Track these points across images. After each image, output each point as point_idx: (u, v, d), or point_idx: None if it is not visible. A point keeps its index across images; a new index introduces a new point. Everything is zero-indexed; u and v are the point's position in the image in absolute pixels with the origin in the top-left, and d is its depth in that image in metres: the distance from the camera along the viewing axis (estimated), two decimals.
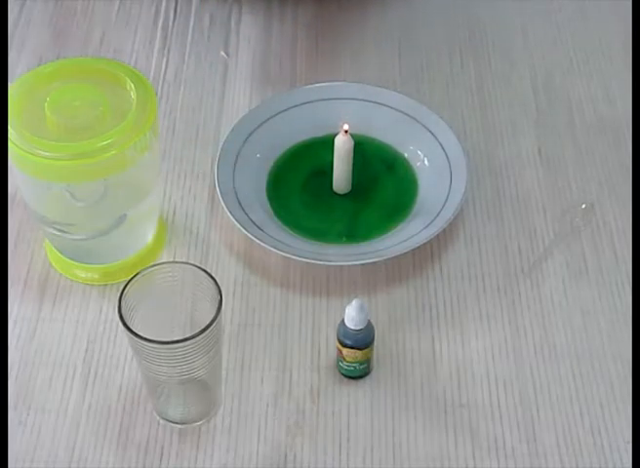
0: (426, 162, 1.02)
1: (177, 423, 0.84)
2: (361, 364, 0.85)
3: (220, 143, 1.01)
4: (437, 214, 0.96)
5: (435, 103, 1.09)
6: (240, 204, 0.96)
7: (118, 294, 0.75)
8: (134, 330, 0.73)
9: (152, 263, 0.80)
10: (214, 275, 0.77)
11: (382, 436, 0.84)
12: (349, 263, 0.93)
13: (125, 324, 0.74)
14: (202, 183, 1.03)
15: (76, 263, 0.93)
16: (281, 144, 1.04)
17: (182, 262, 0.79)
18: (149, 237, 0.95)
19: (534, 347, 0.90)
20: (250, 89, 1.13)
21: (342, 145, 0.97)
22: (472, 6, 1.23)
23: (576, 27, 1.19)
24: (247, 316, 0.92)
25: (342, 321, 0.83)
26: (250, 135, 1.02)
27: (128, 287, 0.76)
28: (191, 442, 0.83)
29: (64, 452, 0.82)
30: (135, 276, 0.77)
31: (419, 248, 0.94)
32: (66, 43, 1.18)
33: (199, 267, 0.78)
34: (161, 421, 0.84)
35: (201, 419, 0.84)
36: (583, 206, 1.00)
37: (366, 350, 0.84)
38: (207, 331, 0.74)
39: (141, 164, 0.85)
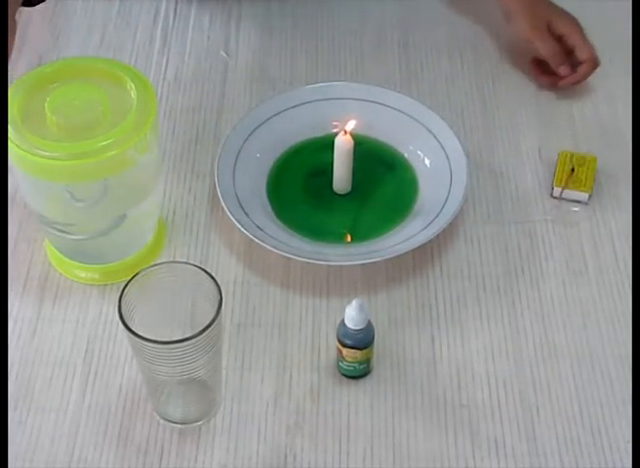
0: (426, 162, 1.02)
1: (177, 423, 0.84)
2: (361, 364, 0.85)
3: (221, 143, 1.01)
4: (437, 215, 0.96)
5: (435, 103, 1.09)
6: (240, 204, 0.96)
7: (118, 294, 0.75)
8: (134, 330, 0.73)
9: (152, 263, 0.80)
10: (214, 275, 0.77)
11: (382, 436, 0.84)
12: (349, 263, 0.93)
13: (125, 324, 0.74)
14: (202, 183, 1.03)
15: (76, 263, 0.93)
16: (281, 144, 1.04)
17: (182, 262, 0.79)
18: (149, 237, 0.95)
19: (534, 347, 0.90)
20: (250, 89, 1.13)
21: (342, 145, 0.97)
22: (473, 5, 1.23)
23: None
24: (247, 316, 0.92)
25: (342, 321, 0.83)
26: (250, 135, 1.02)
27: (128, 287, 0.76)
28: (191, 442, 0.83)
29: (64, 452, 0.82)
30: (135, 276, 0.77)
31: (419, 248, 0.93)
32: (66, 43, 1.18)
33: (199, 267, 0.78)
34: (161, 421, 0.84)
35: (201, 419, 0.84)
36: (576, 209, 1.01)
37: (366, 350, 0.84)
38: (207, 332, 0.74)
39: (141, 164, 0.85)
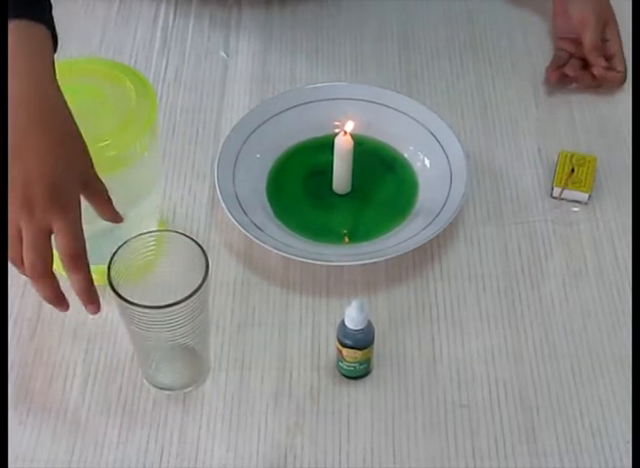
0: (426, 162, 1.02)
1: (166, 389, 0.85)
2: (361, 364, 0.85)
3: (220, 143, 1.01)
4: (437, 215, 0.96)
5: (435, 103, 1.09)
6: (240, 204, 0.97)
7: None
8: (123, 295, 0.75)
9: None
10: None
11: (382, 436, 0.84)
12: (349, 263, 0.93)
13: (114, 290, 0.75)
14: (202, 183, 1.03)
15: None
16: (281, 144, 1.04)
17: (170, 230, 0.79)
18: None
19: (534, 347, 0.90)
20: (250, 89, 1.13)
21: (342, 145, 0.97)
22: (472, 6, 1.23)
23: None
24: (247, 316, 0.92)
25: (342, 321, 0.83)
26: (250, 135, 1.02)
27: (117, 254, 0.77)
28: (191, 442, 0.83)
29: (64, 452, 0.82)
30: (123, 244, 0.78)
31: (419, 248, 0.94)
32: (66, 43, 1.17)
33: (186, 235, 0.78)
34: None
35: (190, 385, 0.85)
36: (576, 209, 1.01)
37: (366, 350, 0.84)
38: (195, 296, 0.75)
39: (141, 164, 0.85)
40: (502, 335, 0.91)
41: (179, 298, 0.75)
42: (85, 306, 0.75)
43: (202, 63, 1.16)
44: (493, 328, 0.91)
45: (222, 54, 1.17)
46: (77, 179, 0.74)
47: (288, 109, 1.05)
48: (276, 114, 1.05)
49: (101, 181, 0.77)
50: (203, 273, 0.76)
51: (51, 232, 0.73)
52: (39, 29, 0.76)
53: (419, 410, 0.85)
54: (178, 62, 1.16)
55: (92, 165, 0.76)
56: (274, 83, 1.14)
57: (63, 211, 0.72)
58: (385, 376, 0.88)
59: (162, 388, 0.86)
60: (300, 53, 1.17)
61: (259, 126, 1.03)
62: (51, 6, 0.78)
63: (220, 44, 1.18)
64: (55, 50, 0.77)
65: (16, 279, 0.93)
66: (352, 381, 0.87)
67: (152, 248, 0.80)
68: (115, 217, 0.77)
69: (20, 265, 0.74)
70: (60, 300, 0.75)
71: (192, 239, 0.78)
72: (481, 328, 0.91)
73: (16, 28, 0.74)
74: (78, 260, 0.73)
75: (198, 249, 0.78)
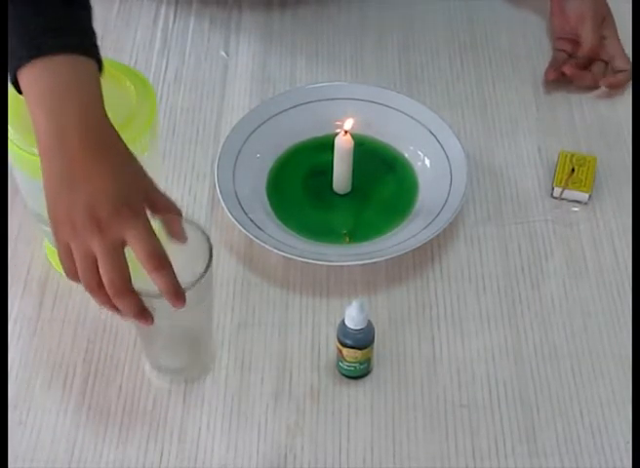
0: (426, 162, 1.02)
1: (169, 374, 0.86)
2: (361, 364, 0.85)
3: (221, 143, 1.01)
4: (437, 215, 0.96)
5: (435, 103, 1.09)
6: (240, 204, 0.97)
7: None
8: None
9: None
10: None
11: (382, 436, 0.84)
12: (349, 263, 0.93)
13: None
14: (202, 183, 1.03)
15: None
16: (281, 144, 1.04)
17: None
18: None
19: (534, 347, 0.90)
20: (250, 89, 1.13)
21: (342, 145, 0.97)
22: (472, 6, 1.23)
23: None
24: (247, 316, 0.92)
25: (342, 321, 0.83)
26: (250, 135, 1.02)
27: None
28: (191, 442, 0.83)
29: (64, 452, 0.82)
30: None
31: (419, 248, 0.94)
32: None
33: (189, 221, 0.78)
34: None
35: (193, 371, 0.86)
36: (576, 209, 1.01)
37: (366, 350, 0.84)
38: (200, 282, 0.75)
39: (141, 164, 0.85)
40: (502, 335, 0.91)
41: (183, 285, 0.74)
42: (173, 304, 0.73)
43: (202, 64, 1.16)
44: (493, 328, 0.91)
45: (222, 53, 1.17)
46: (142, 196, 0.75)
47: (288, 109, 1.05)
48: (276, 114, 1.05)
49: (169, 198, 0.77)
50: (207, 258, 0.76)
51: (124, 244, 0.72)
52: (89, 63, 0.77)
53: (419, 410, 0.85)
54: (178, 63, 1.16)
55: (154, 184, 0.76)
56: (274, 83, 1.14)
57: (132, 220, 0.72)
58: (385, 376, 0.88)
59: (165, 373, 0.85)
60: (301, 54, 1.17)
61: (259, 126, 1.03)
62: (95, 34, 0.82)
63: (220, 45, 1.18)
64: (100, 74, 0.78)
65: (16, 279, 0.94)
66: (352, 381, 0.87)
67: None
68: (181, 237, 0.77)
69: (97, 290, 0.72)
70: (145, 314, 0.74)
71: (195, 224, 0.77)
72: (481, 328, 0.91)
73: (67, 63, 0.76)
74: (159, 259, 0.72)
75: (202, 234, 0.77)
